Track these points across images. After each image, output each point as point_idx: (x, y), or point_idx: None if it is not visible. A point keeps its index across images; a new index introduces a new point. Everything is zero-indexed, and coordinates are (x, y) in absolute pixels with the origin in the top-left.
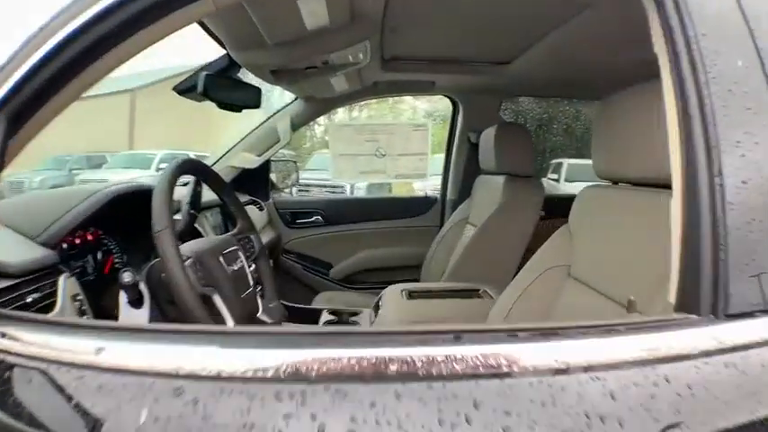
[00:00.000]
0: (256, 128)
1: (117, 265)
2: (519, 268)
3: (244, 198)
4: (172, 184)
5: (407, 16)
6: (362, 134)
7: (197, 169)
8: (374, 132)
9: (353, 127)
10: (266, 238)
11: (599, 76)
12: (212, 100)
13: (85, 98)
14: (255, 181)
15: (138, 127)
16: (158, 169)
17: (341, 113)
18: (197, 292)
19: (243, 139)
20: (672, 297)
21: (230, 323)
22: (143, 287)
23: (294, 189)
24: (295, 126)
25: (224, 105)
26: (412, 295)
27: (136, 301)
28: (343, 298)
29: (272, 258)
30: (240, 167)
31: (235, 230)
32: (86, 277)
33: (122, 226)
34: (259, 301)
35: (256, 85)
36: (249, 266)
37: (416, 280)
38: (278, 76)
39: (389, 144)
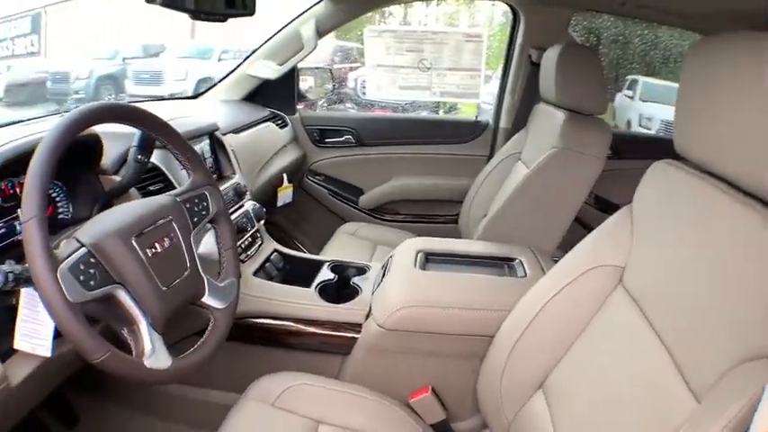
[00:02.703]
0: (277, 32)
1: (61, 215)
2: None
3: (264, 112)
4: (55, 155)
5: None
6: (404, 42)
7: (105, 114)
8: (419, 41)
9: (394, 33)
10: (289, 158)
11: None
12: (181, 10)
13: None
14: (280, 93)
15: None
16: (220, 59)
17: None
18: (79, 303)
19: (263, 44)
20: None
21: (143, 327)
22: None
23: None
24: (321, 32)
25: (199, 15)
26: (429, 260)
27: None
28: (369, 232)
29: (297, 180)
30: (259, 77)
31: (184, 187)
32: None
33: (69, 168)
34: (206, 280)
35: None
36: (192, 237)
37: (455, 219)
38: None
39: (436, 56)
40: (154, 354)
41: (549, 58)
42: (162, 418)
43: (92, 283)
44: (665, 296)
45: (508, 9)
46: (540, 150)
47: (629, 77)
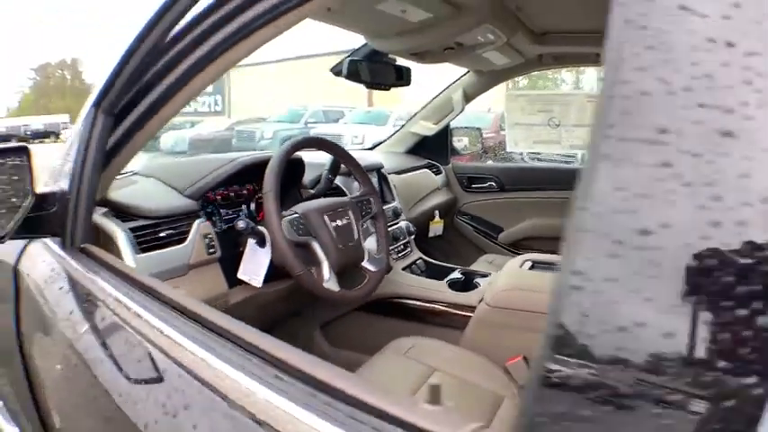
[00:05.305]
0: (434, 98)
1: None
2: None
3: (422, 162)
4: (284, 160)
5: None
6: (536, 104)
7: (313, 143)
8: (548, 102)
9: (528, 97)
10: (440, 198)
11: None
12: (359, 82)
13: (323, 55)
14: (436, 147)
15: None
16: (394, 126)
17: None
18: (292, 240)
19: (422, 108)
20: None
21: (325, 266)
22: (264, 230)
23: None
24: (468, 97)
25: (372, 85)
26: (535, 266)
27: (261, 242)
28: (504, 262)
29: (448, 218)
30: (419, 134)
31: (357, 194)
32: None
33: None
34: (366, 250)
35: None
36: (360, 224)
37: None
38: (420, 57)
39: (564, 114)
40: (329, 281)
41: None
42: None
43: (299, 232)
44: None
45: None
46: None
47: None
